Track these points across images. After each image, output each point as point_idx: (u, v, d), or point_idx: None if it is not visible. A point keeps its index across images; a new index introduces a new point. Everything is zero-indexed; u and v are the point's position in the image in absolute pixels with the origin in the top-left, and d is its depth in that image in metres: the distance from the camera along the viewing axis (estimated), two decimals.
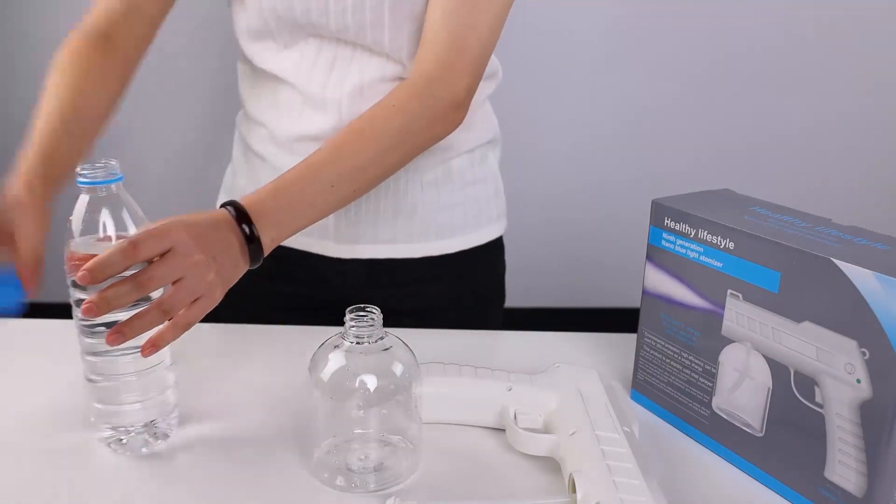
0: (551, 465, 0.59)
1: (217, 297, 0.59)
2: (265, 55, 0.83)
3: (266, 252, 0.64)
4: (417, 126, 0.73)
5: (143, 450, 0.61)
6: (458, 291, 0.92)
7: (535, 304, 2.32)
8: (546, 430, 0.61)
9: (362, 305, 0.57)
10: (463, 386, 0.62)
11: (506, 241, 0.98)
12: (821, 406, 0.54)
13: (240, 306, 0.77)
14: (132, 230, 0.57)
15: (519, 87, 2.15)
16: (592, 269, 2.42)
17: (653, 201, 0.65)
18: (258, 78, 0.86)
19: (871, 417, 0.51)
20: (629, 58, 2.22)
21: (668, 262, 0.64)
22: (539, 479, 0.59)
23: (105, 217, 0.57)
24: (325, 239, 0.87)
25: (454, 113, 0.76)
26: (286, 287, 0.90)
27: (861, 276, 0.50)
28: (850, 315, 0.51)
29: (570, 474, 0.53)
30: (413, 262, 0.88)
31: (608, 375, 0.73)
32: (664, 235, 0.64)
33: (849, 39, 2.21)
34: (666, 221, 0.64)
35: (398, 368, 0.56)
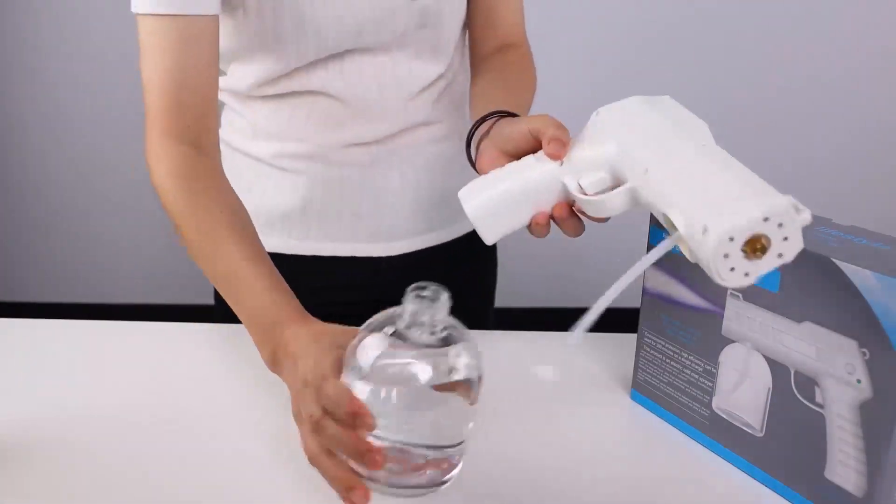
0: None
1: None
2: (292, 84, 0.78)
3: None
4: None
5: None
6: (479, 271, 0.95)
7: (535, 304, 2.31)
8: (617, 183, 0.54)
9: (424, 284, 0.49)
10: (512, 181, 0.56)
11: (505, 242, 0.98)
12: (821, 406, 0.54)
13: None
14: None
15: None
16: (592, 268, 2.41)
17: None
18: (282, 101, 0.81)
19: (871, 417, 0.51)
20: (629, 57, 2.22)
21: (668, 262, 0.64)
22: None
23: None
24: (357, 241, 0.86)
25: None
26: (322, 296, 0.80)
27: (861, 276, 0.50)
28: (850, 315, 0.51)
29: (664, 215, 0.48)
30: (446, 247, 0.90)
31: (608, 375, 0.73)
32: (664, 235, 0.64)
33: (849, 39, 2.21)
34: None
35: (461, 362, 0.48)
